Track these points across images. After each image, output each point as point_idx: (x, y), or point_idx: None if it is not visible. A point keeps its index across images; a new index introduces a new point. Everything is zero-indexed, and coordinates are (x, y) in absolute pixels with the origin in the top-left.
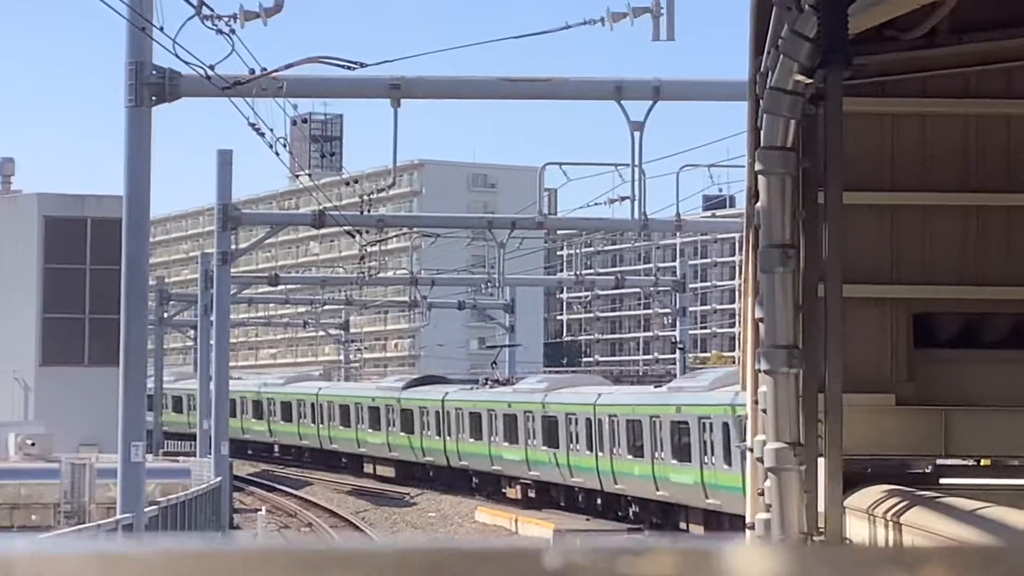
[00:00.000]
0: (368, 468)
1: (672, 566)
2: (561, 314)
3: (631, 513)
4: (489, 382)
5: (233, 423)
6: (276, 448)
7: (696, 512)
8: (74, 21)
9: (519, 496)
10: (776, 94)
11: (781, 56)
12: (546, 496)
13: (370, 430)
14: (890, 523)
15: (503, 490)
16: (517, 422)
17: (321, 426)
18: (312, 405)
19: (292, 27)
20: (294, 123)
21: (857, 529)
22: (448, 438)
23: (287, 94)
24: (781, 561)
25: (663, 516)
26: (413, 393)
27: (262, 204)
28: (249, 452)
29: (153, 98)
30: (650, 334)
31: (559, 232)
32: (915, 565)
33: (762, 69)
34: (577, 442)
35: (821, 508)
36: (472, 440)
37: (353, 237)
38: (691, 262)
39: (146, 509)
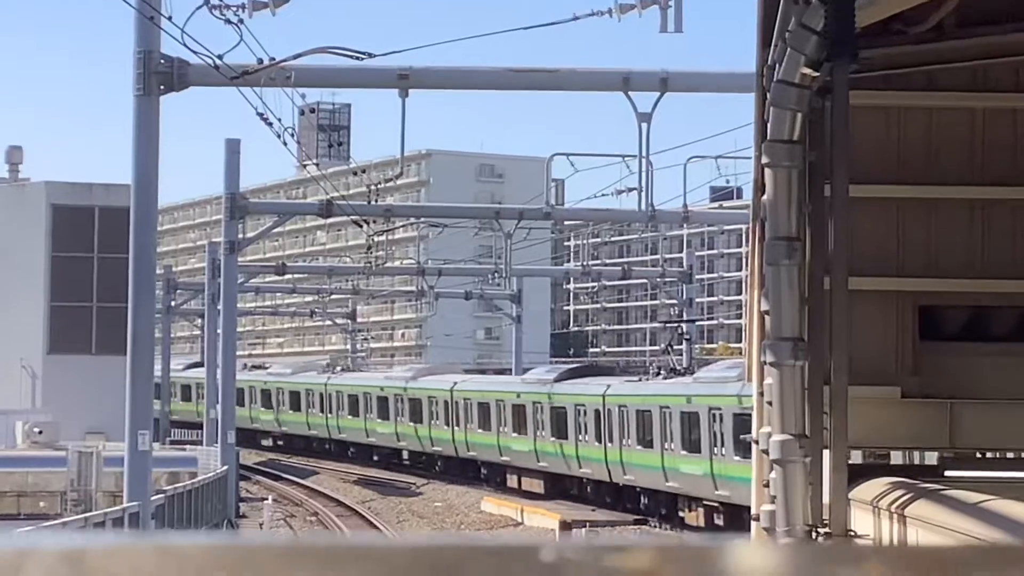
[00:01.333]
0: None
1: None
2: (568, 304)
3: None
4: (663, 372)
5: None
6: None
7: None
8: (83, 9)
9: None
10: (783, 87)
11: (788, 49)
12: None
13: (521, 432)
14: (895, 515)
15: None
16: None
17: (456, 428)
18: (446, 403)
19: (300, 17)
20: (302, 113)
21: (862, 521)
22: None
23: (295, 84)
24: (779, 560)
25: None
26: (568, 387)
27: (270, 193)
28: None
29: (161, 87)
30: (657, 325)
31: (566, 222)
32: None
33: (769, 62)
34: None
35: (826, 500)
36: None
37: (360, 227)
38: (698, 253)
39: (153, 497)
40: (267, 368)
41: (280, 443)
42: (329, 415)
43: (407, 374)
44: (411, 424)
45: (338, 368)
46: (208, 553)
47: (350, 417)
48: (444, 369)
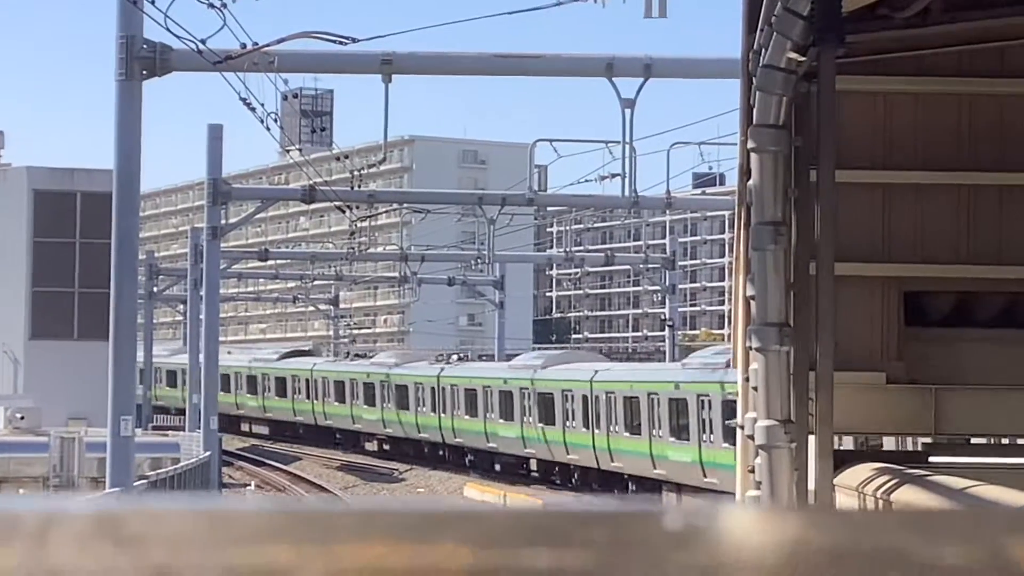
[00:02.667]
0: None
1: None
2: (551, 291)
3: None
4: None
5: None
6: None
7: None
8: None
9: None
10: (769, 72)
11: (774, 34)
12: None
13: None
14: (880, 501)
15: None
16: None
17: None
18: (585, 397)
19: (284, 2)
20: (285, 98)
21: (847, 506)
22: None
23: (278, 69)
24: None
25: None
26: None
27: (252, 179)
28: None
29: (144, 72)
30: (640, 311)
31: (549, 209)
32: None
33: (755, 47)
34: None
35: (811, 485)
36: None
37: (343, 212)
38: (681, 240)
39: (135, 483)
40: (370, 357)
41: (386, 447)
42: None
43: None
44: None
45: (454, 358)
46: (264, 519)
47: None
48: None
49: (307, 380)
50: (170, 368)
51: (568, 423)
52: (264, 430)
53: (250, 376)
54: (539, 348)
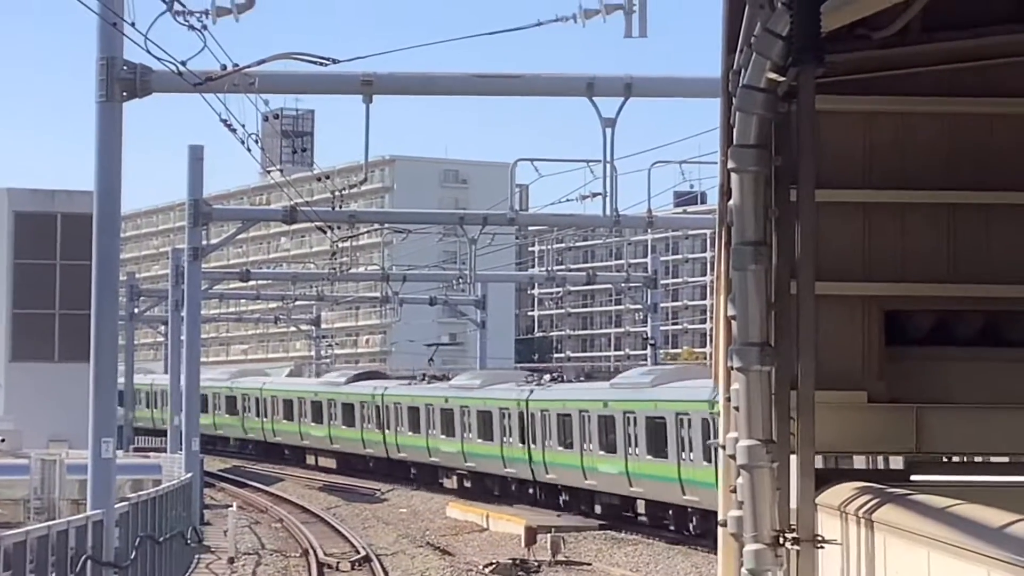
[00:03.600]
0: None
1: None
2: (532, 310)
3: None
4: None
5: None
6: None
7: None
8: (45, 15)
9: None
10: (749, 92)
11: (754, 54)
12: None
13: None
14: (862, 520)
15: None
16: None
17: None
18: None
19: (264, 23)
20: (265, 119)
21: (829, 526)
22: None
23: (259, 90)
24: None
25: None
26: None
27: (233, 200)
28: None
29: (124, 94)
30: (621, 330)
31: (530, 228)
32: None
33: (735, 67)
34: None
35: (793, 505)
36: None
37: (324, 233)
38: (662, 258)
39: (116, 505)
40: (449, 379)
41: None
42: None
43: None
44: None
45: (546, 377)
46: None
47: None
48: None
49: (377, 407)
50: (229, 395)
51: (684, 453)
52: (331, 463)
53: (315, 402)
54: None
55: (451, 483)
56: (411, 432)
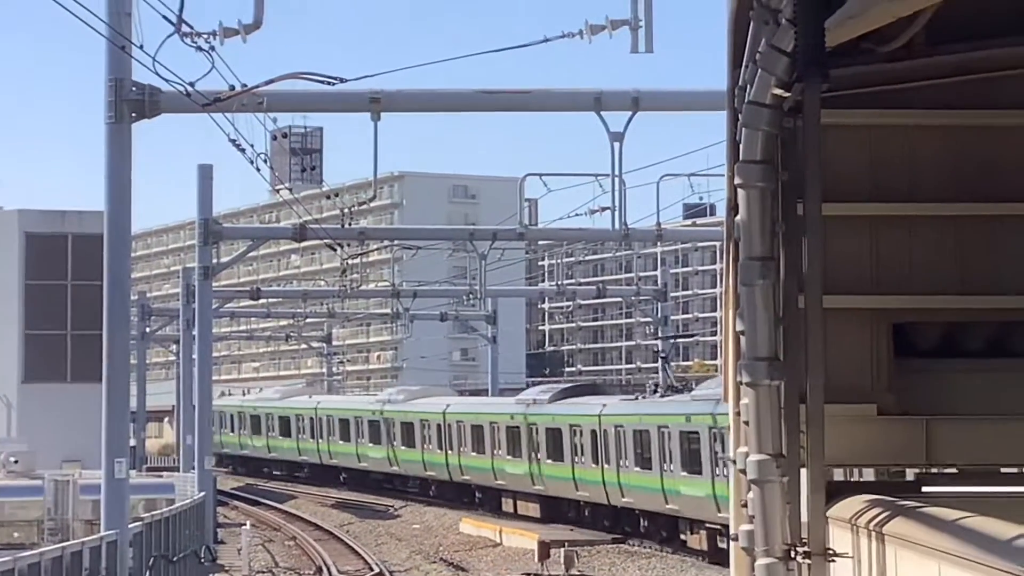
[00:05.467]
0: None
1: None
2: (543, 324)
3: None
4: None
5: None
6: None
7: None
8: (55, 39)
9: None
10: (754, 108)
11: (759, 70)
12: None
13: None
14: (873, 533)
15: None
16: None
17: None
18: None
19: (271, 44)
20: (274, 137)
21: (840, 540)
22: None
23: (267, 109)
24: None
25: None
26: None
27: (243, 218)
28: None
29: (133, 115)
30: (632, 343)
31: (540, 243)
32: None
33: (740, 83)
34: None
35: (804, 519)
36: None
37: (334, 250)
38: (672, 271)
39: (130, 525)
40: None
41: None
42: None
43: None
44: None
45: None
46: None
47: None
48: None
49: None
50: (283, 414)
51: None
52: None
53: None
54: (536, 382)
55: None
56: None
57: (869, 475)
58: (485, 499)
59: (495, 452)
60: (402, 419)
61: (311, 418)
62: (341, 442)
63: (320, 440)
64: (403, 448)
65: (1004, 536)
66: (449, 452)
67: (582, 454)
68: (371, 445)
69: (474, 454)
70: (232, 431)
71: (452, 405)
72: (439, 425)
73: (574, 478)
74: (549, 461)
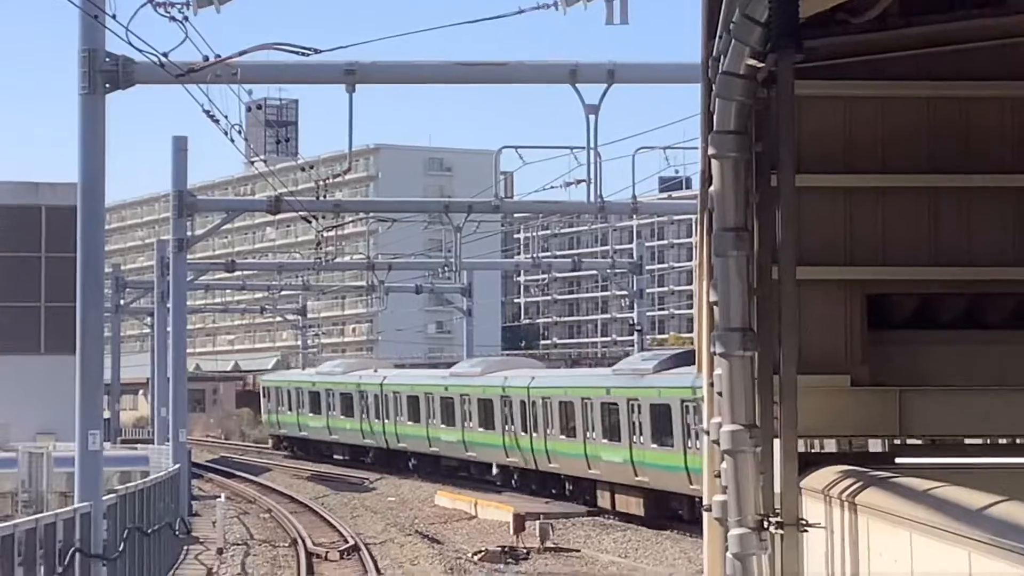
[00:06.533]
0: None
1: None
2: (519, 297)
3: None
4: None
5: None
6: None
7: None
8: (28, 7)
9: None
10: (728, 78)
11: (733, 40)
12: None
13: None
14: (845, 503)
15: None
16: None
17: None
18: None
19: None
20: (249, 109)
21: (813, 510)
22: None
23: (241, 80)
24: None
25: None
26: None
27: (218, 190)
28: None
29: (107, 85)
30: (608, 316)
31: (516, 215)
32: None
33: (714, 53)
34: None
35: (777, 489)
36: None
37: (309, 223)
38: (648, 244)
39: (104, 497)
40: None
41: None
42: None
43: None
44: None
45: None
46: None
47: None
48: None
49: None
50: (344, 391)
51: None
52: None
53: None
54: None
55: None
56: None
57: (842, 446)
58: (577, 491)
59: (588, 435)
60: (479, 395)
61: (376, 395)
62: (410, 423)
63: (387, 421)
64: (480, 431)
65: (975, 506)
66: (535, 435)
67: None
68: (443, 427)
69: (563, 437)
70: (290, 410)
71: (537, 378)
72: (523, 402)
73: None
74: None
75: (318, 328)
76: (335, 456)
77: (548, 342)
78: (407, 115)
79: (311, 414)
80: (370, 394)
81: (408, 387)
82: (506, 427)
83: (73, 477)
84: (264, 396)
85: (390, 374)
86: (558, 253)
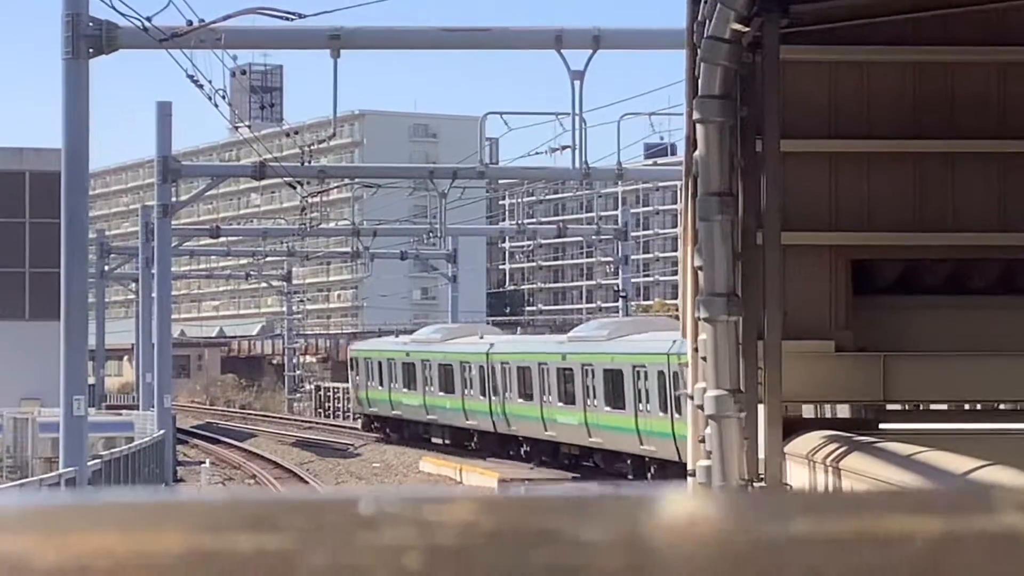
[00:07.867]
0: None
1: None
2: (504, 264)
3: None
4: None
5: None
6: None
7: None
8: None
9: None
10: (713, 43)
11: (718, 5)
12: None
13: None
14: (829, 468)
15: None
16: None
17: None
18: None
19: None
20: (233, 74)
21: (797, 474)
22: None
23: (225, 46)
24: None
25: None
26: None
27: (202, 156)
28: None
29: (90, 50)
30: (593, 283)
31: (501, 181)
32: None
33: (699, 18)
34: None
35: (761, 454)
36: None
37: (294, 188)
38: (633, 210)
39: (89, 463)
40: None
41: None
42: None
43: None
44: None
45: None
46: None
47: None
48: None
49: None
50: (444, 362)
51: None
52: None
53: None
54: (494, 321)
55: None
56: None
57: (827, 411)
58: None
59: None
60: (606, 365)
61: (481, 366)
62: (520, 401)
63: (493, 399)
64: (607, 411)
65: (958, 470)
66: (676, 418)
67: None
68: (561, 406)
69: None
70: (382, 385)
71: (679, 342)
72: (661, 372)
73: None
74: None
75: (303, 294)
76: (433, 439)
77: (533, 308)
78: (392, 81)
79: (407, 389)
80: (473, 366)
81: (519, 356)
82: (641, 405)
83: (58, 442)
84: (352, 368)
85: (498, 340)
86: (543, 219)
